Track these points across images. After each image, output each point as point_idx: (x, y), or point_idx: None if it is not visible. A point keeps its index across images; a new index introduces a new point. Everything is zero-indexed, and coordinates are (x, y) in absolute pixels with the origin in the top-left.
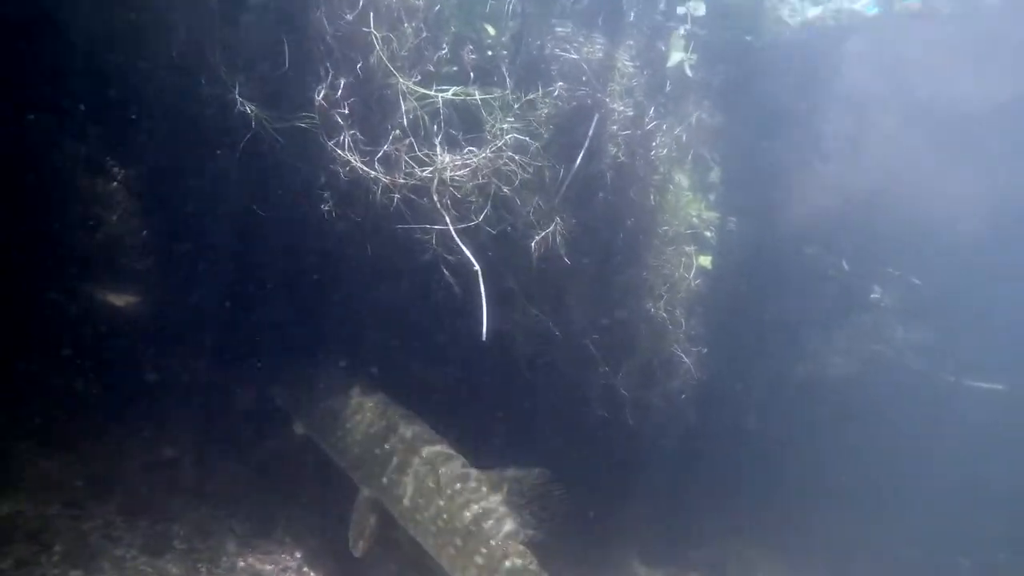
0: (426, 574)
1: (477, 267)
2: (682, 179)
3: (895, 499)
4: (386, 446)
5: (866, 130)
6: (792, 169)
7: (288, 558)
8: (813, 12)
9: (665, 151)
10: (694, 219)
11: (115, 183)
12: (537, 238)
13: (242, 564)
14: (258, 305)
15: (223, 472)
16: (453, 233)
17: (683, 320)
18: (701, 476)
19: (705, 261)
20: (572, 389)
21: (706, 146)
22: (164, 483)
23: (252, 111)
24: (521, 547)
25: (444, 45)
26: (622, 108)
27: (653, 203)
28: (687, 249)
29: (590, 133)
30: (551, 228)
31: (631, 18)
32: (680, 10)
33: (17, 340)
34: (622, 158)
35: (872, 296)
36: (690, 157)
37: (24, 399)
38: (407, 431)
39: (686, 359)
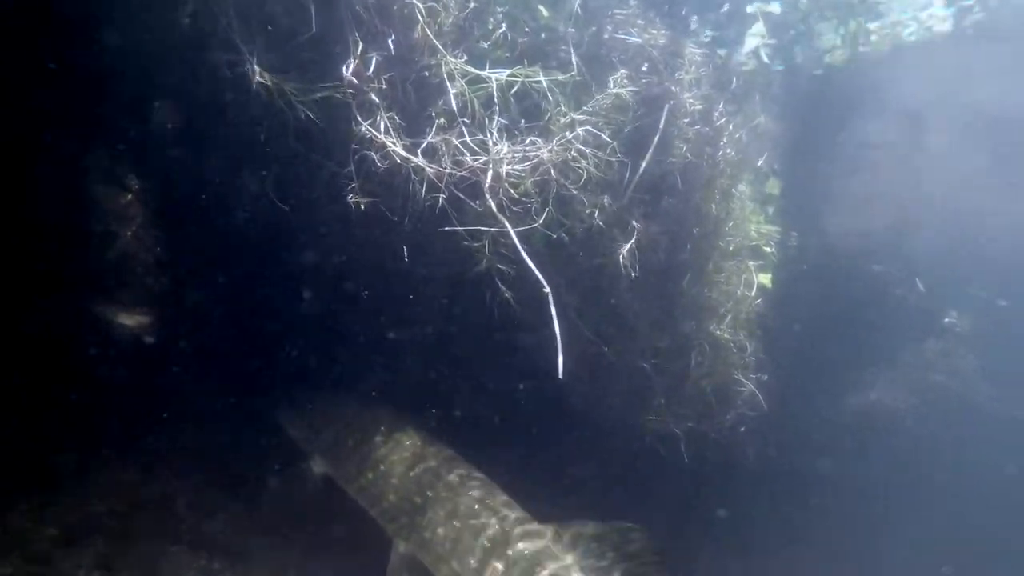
0: None
1: (547, 289)
2: (744, 187)
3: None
4: (429, 493)
5: (933, 145)
6: (855, 183)
7: None
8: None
9: (732, 152)
10: (754, 232)
11: (130, 195)
12: (624, 250)
13: None
14: (276, 328)
15: (224, 515)
16: (515, 239)
17: (747, 343)
18: (757, 520)
19: (765, 279)
20: (623, 420)
21: (765, 154)
22: (153, 528)
23: (271, 81)
24: None
25: (491, 23)
26: (691, 100)
27: (717, 212)
28: (748, 265)
29: (660, 126)
30: (632, 239)
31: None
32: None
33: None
34: (690, 157)
35: (946, 320)
36: (753, 165)
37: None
38: (453, 475)
39: (746, 386)
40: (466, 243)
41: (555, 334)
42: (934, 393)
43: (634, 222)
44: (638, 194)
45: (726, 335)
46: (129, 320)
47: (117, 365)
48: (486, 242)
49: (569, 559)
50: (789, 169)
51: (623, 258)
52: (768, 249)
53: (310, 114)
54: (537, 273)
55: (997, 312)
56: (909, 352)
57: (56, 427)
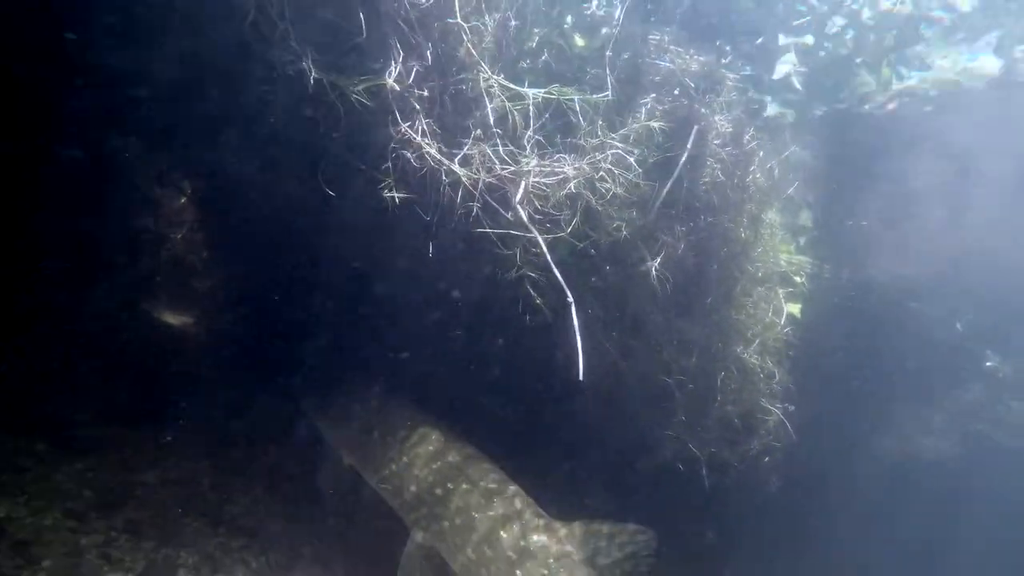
0: None
1: (571, 298)
2: (773, 216)
3: None
4: (449, 485)
5: (975, 188)
6: (893, 218)
7: None
8: (910, 82)
9: (761, 177)
10: (783, 262)
11: (183, 199)
12: (650, 263)
13: None
14: (311, 326)
15: (245, 499)
16: (543, 246)
17: (775, 371)
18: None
19: (794, 309)
20: (642, 439)
21: (798, 185)
22: (178, 502)
23: (326, 78)
24: None
25: (527, 46)
26: (721, 122)
27: (745, 236)
28: (778, 292)
29: (689, 144)
30: (659, 254)
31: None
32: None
33: (62, 344)
34: (721, 177)
35: (987, 364)
36: (783, 194)
37: (48, 398)
38: (474, 471)
39: (772, 414)
40: (498, 250)
41: (576, 336)
42: (976, 443)
43: (662, 235)
44: (666, 210)
45: (753, 359)
46: (174, 320)
47: (162, 357)
48: (517, 250)
49: (581, 552)
50: (824, 202)
51: (650, 270)
52: (799, 279)
53: (362, 101)
54: (561, 280)
55: None
56: (948, 398)
57: (101, 404)
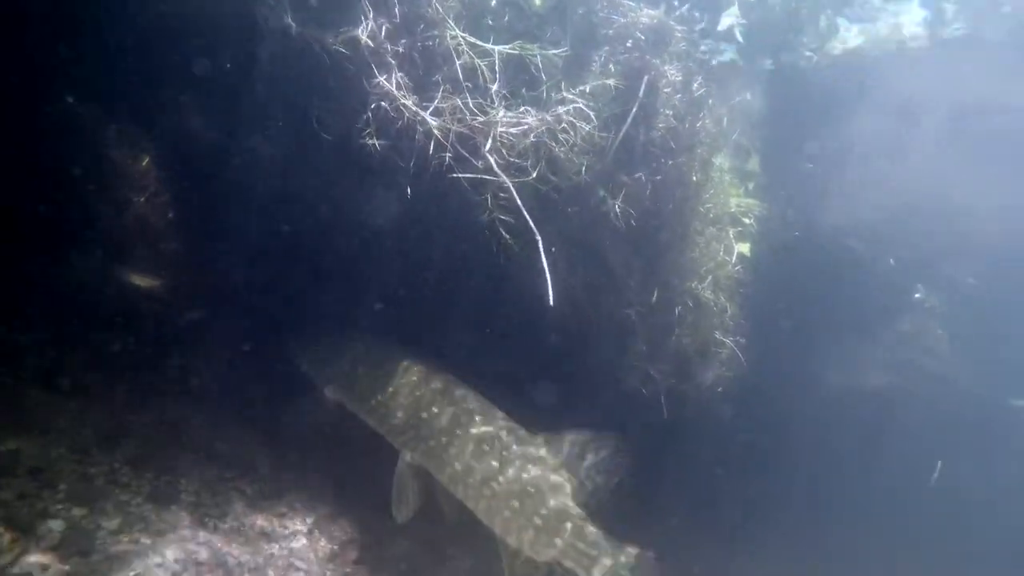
0: (439, 553)
1: (538, 236)
2: (723, 161)
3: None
4: (434, 409)
5: (912, 136)
6: (835, 164)
7: (299, 523)
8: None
9: (711, 123)
10: (733, 204)
11: (146, 160)
12: (610, 204)
13: (250, 522)
14: (287, 274)
15: (237, 437)
16: (513, 191)
17: (727, 305)
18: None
19: (744, 248)
20: (608, 369)
21: (746, 133)
22: (174, 440)
23: (307, 31)
24: (579, 510)
25: (489, 4)
26: (672, 72)
27: (697, 179)
28: (728, 232)
29: (640, 93)
30: (618, 195)
31: None
32: None
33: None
34: (673, 123)
35: (916, 296)
36: (731, 140)
37: (39, 346)
38: (456, 395)
39: (725, 346)
40: (470, 196)
41: (544, 267)
42: (911, 371)
43: (620, 177)
44: (623, 155)
45: (707, 294)
46: (142, 283)
47: (139, 318)
48: (487, 196)
49: (558, 458)
50: (770, 149)
51: (610, 210)
52: (747, 221)
53: (341, 51)
54: (529, 220)
55: (966, 289)
56: (884, 330)
57: (88, 355)
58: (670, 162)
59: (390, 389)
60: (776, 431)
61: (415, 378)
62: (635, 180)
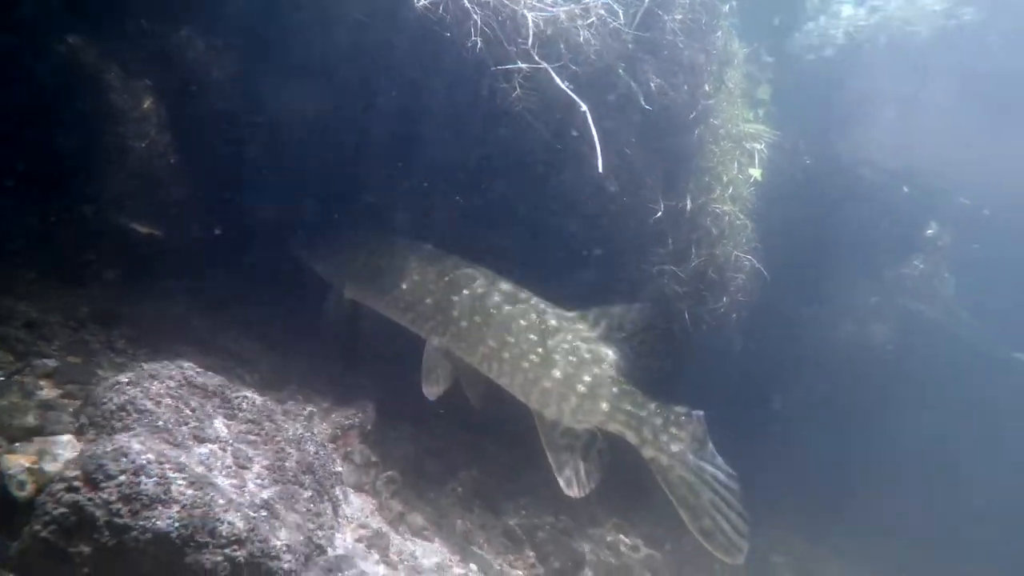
0: (442, 458)
1: (584, 107)
2: (734, 84)
3: None
4: (465, 291)
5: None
6: (849, 99)
7: (301, 409)
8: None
9: (721, 36)
10: (744, 128)
11: (147, 103)
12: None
13: (258, 400)
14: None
15: (235, 333)
16: (552, 72)
17: (747, 223)
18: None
19: (756, 172)
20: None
21: (756, 63)
22: (175, 332)
23: None
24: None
25: None
26: None
27: (709, 89)
28: (743, 148)
29: None
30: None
31: None
32: None
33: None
34: (689, 15)
35: (928, 232)
36: (737, 61)
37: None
38: (483, 278)
39: (743, 270)
40: (497, 84)
41: (593, 134)
42: (914, 322)
43: (642, 55)
44: (642, 34)
45: (726, 207)
46: (143, 229)
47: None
48: (516, 82)
49: (596, 330)
50: (782, 78)
51: (630, 98)
52: (758, 146)
53: None
54: (573, 96)
55: (980, 220)
56: (891, 271)
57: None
58: (686, 52)
59: (415, 277)
60: (780, 376)
61: (440, 265)
62: (655, 60)
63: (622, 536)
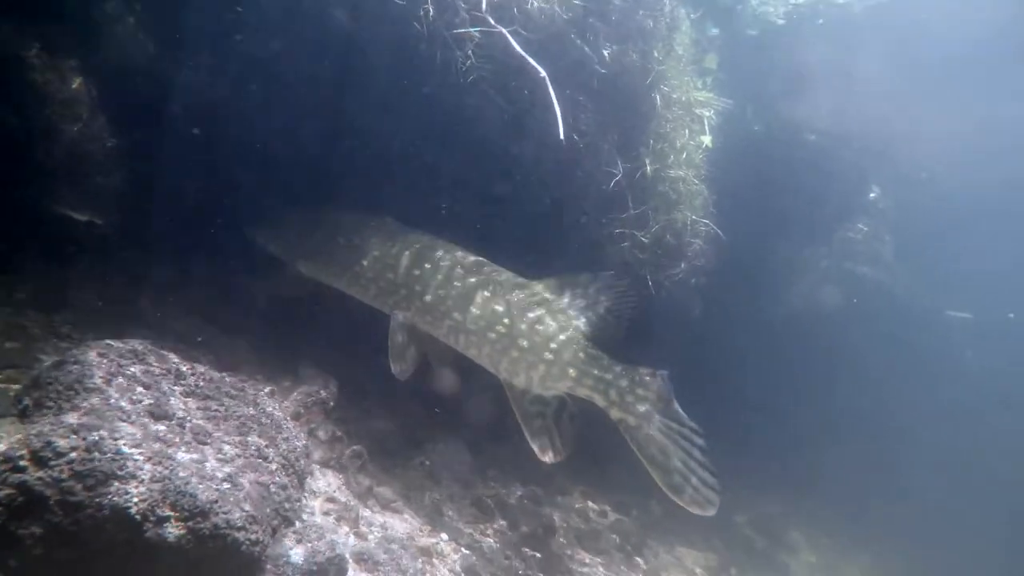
0: (408, 433)
1: (543, 73)
2: (683, 51)
3: None
4: (426, 265)
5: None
6: (792, 70)
7: (261, 388)
8: None
9: (668, 3)
10: (694, 95)
11: (76, 83)
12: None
13: (216, 375)
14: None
15: (186, 317)
16: (508, 36)
17: (703, 188)
18: None
19: (706, 139)
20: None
21: (702, 33)
22: (123, 316)
23: None
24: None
25: None
26: None
27: (659, 55)
28: (694, 115)
29: None
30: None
31: None
32: None
33: None
34: None
35: (871, 196)
36: (685, 27)
37: None
38: (444, 250)
39: (700, 234)
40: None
41: (553, 100)
42: (859, 285)
43: (593, 21)
44: (589, 9)
45: (681, 172)
46: (81, 216)
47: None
48: (470, 51)
49: (561, 299)
50: (727, 48)
51: (582, 63)
52: (707, 113)
53: None
54: (531, 60)
55: (918, 183)
56: (839, 235)
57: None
58: (635, 17)
59: (375, 253)
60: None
61: (399, 239)
62: (605, 26)
63: (590, 503)
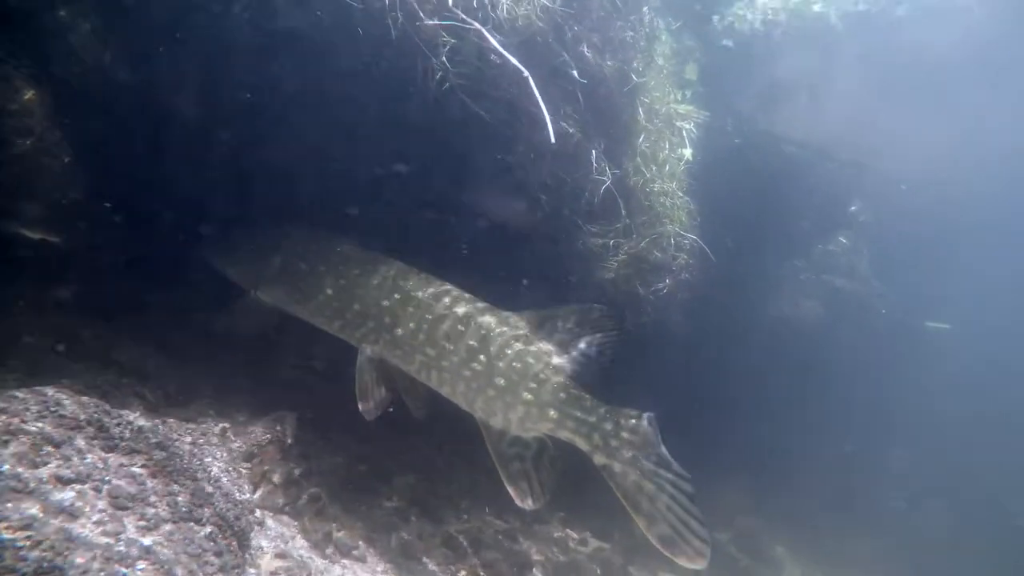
0: (374, 466)
1: (526, 73)
2: (663, 60)
3: None
4: (396, 296)
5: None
6: (769, 81)
7: (213, 426)
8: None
9: (647, 14)
10: (674, 108)
11: (29, 94)
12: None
13: (145, 424)
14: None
15: (133, 349)
16: (487, 35)
17: (688, 201)
18: None
19: (687, 152)
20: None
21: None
22: (60, 353)
23: None
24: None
25: None
26: None
27: (639, 66)
28: (674, 128)
29: None
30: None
31: None
32: None
33: None
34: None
35: (852, 208)
36: (664, 38)
37: None
38: (415, 281)
39: (684, 248)
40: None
41: (539, 101)
42: (838, 298)
43: (572, 24)
44: (568, 17)
45: (664, 185)
46: (34, 234)
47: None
48: (443, 56)
49: (543, 334)
50: (707, 60)
51: (560, 68)
52: (687, 126)
53: None
54: (514, 61)
55: (897, 195)
56: (819, 248)
57: None
58: (615, 27)
59: (341, 281)
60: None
61: (367, 266)
62: (585, 34)
63: (570, 531)
